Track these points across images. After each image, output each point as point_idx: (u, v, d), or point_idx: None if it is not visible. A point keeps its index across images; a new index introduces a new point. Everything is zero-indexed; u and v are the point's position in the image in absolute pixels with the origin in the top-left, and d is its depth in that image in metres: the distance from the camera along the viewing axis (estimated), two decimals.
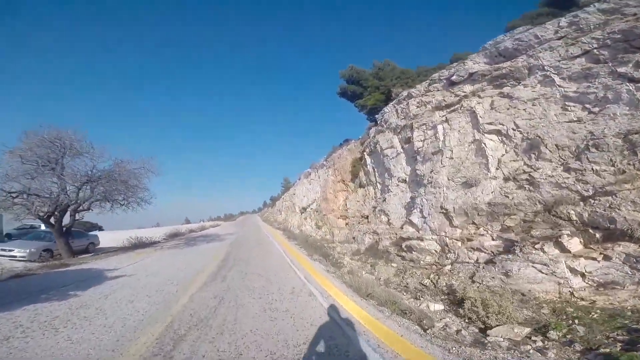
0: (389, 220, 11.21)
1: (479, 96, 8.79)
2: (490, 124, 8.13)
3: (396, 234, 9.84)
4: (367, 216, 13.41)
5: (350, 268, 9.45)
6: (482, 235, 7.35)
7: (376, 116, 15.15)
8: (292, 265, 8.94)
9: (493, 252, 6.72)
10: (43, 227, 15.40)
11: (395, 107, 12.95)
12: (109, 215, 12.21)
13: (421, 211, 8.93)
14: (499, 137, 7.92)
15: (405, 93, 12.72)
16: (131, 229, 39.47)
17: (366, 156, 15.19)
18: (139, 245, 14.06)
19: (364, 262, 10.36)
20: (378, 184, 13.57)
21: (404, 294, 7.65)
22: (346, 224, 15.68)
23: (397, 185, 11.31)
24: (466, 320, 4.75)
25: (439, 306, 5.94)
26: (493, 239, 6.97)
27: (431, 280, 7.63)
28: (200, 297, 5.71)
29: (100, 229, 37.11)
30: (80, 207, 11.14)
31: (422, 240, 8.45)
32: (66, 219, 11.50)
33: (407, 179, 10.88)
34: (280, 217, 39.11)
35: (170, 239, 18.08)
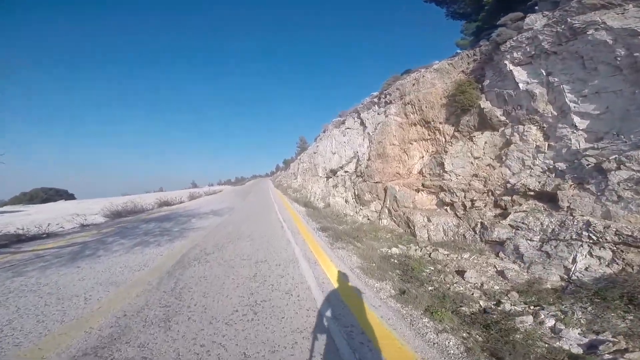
0: None
1: None
2: None
3: None
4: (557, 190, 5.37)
5: None
6: None
7: None
8: None
9: None
10: None
11: None
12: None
13: None
14: None
15: None
16: (116, 196, 32.14)
17: (510, 68, 6.77)
18: None
19: None
20: (574, 115, 5.31)
21: None
22: (448, 204, 7.74)
23: None
24: None
25: None
26: None
27: None
28: None
29: (70, 197, 30.50)
30: None
31: None
32: None
33: None
34: (296, 182, 31.57)
35: (109, 220, 10.41)
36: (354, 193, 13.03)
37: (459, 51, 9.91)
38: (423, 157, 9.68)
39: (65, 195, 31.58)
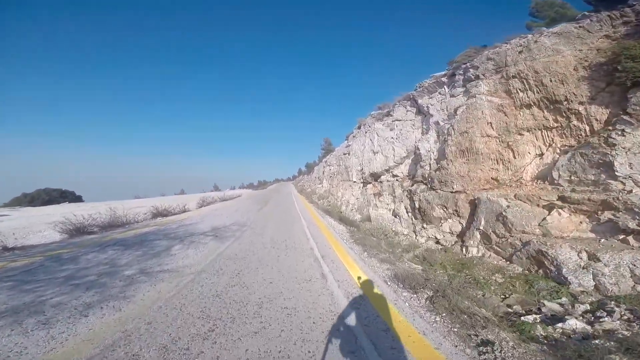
0: None
1: None
2: None
3: None
4: None
5: None
6: None
7: None
8: None
9: None
10: None
11: None
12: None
13: None
14: None
15: None
16: (128, 199, 29.97)
17: None
18: None
19: None
20: None
21: None
22: (630, 232, 4.42)
23: None
24: None
25: None
26: None
27: None
28: None
29: (76, 199, 28.80)
30: None
31: None
32: None
33: None
34: (321, 188, 28.66)
35: (66, 238, 7.65)
36: (411, 205, 9.87)
37: (586, 13, 6.63)
38: (542, 154, 6.41)
39: (70, 197, 30.09)
